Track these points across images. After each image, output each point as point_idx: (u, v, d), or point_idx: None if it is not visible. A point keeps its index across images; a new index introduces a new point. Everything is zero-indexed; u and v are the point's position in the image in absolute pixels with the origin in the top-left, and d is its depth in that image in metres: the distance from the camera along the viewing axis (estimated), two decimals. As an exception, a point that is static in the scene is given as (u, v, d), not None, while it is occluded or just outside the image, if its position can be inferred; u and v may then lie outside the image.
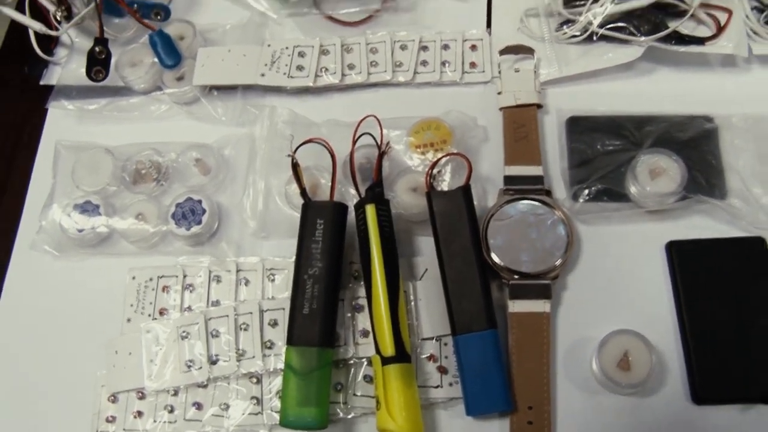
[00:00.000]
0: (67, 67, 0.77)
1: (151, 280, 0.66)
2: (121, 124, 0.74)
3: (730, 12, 0.71)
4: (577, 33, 0.72)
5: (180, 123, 0.73)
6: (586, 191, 0.65)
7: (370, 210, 0.60)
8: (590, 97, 0.71)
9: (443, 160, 0.65)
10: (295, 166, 0.64)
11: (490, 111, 0.70)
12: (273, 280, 0.65)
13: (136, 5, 0.75)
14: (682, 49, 0.70)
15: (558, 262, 0.61)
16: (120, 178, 0.70)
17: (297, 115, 0.71)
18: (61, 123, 0.75)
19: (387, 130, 0.67)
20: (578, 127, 0.68)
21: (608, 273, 0.63)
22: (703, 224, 0.65)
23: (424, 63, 0.73)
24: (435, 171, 0.64)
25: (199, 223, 0.66)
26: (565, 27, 0.73)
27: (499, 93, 0.70)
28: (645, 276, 0.63)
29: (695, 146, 0.66)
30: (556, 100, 0.71)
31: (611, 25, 0.71)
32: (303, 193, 0.63)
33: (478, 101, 0.71)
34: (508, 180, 0.65)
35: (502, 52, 0.72)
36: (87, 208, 0.68)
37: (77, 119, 0.75)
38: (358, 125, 0.65)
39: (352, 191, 0.65)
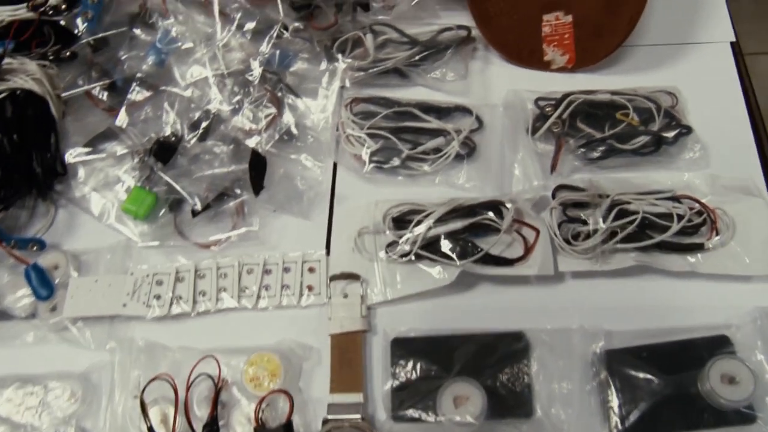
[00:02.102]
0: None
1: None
2: (3, 350, 0.81)
3: (537, 231, 0.77)
4: (401, 254, 0.78)
5: (54, 348, 0.80)
6: (402, 414, 0.72)
7: (202, 451, 0.69)
8: (415, 316, 0.77)
9: (271, 395, 0.72)
10: (142, 405, 0.72)
11: (325, 333, 0.76)
12: (126, 503, 0.73)
13: (13, 240, 0.83)
14: (491, 271, 0.76)
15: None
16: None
17: (153, 344, 0.78)
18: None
19: (229, 359, 0.75)
20: (400, 350, 0.75)
21: (422, 491, 0.70)
22: (512, 440, 0.71)
23: (267, 287, 0.79)
24: (264, 405, 0.72)
25: (64, 455, 0.74)
26: (389, 249, 0.79)
27: (329, 318, 0.77)
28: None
29: (504, 366, 0.73)
30: (383, 321, 0.77)
31: (431, 248, 0.77)
32: (149, 429, 0.71)
33: (315, 324, 0.78)
34: (331, 408, 0.72)
35: (332, 278, 0.79)
36: (-31, 438, 0.77)
37: (-33, 348, 0.83)
38: (195, 365, 0.73)
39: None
